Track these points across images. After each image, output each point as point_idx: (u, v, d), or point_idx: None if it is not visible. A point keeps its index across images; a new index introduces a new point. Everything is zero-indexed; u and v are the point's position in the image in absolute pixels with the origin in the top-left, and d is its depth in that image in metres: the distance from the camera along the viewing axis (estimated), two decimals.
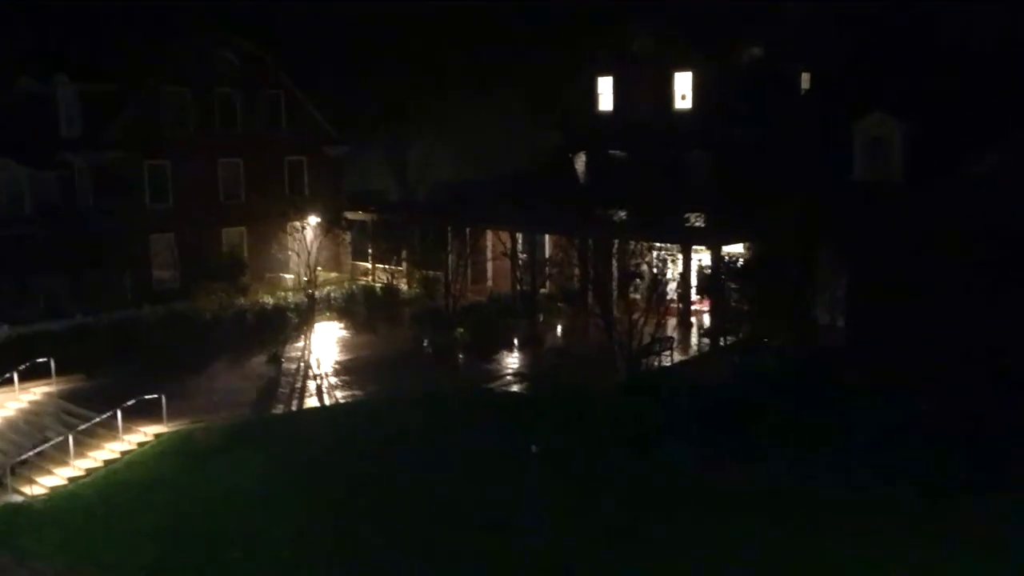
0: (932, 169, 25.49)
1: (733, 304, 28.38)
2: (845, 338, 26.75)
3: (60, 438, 23.87)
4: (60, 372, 28.33)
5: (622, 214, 32.74)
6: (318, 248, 35.38)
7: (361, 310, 36.27)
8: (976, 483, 19.12)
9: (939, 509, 18.57)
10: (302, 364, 30.39)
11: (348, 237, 40.61)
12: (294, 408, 26.39)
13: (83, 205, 37.05)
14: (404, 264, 39.97)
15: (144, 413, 24.72)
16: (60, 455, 23.73)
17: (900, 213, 25.33)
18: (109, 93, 36.63)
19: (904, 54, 30.53)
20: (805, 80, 36.93)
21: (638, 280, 28.29)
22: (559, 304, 34.01)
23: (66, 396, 27.44)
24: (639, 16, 38.82)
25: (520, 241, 35.33)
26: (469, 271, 36.37)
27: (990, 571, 16.59)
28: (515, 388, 27.09)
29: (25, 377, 27.95)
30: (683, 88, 37.70)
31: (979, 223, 23.64)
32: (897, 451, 20.34)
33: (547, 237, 35.62)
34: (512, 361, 29.80)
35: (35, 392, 27.93)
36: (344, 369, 29.66)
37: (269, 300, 36.26)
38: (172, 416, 24.98)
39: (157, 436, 24.35)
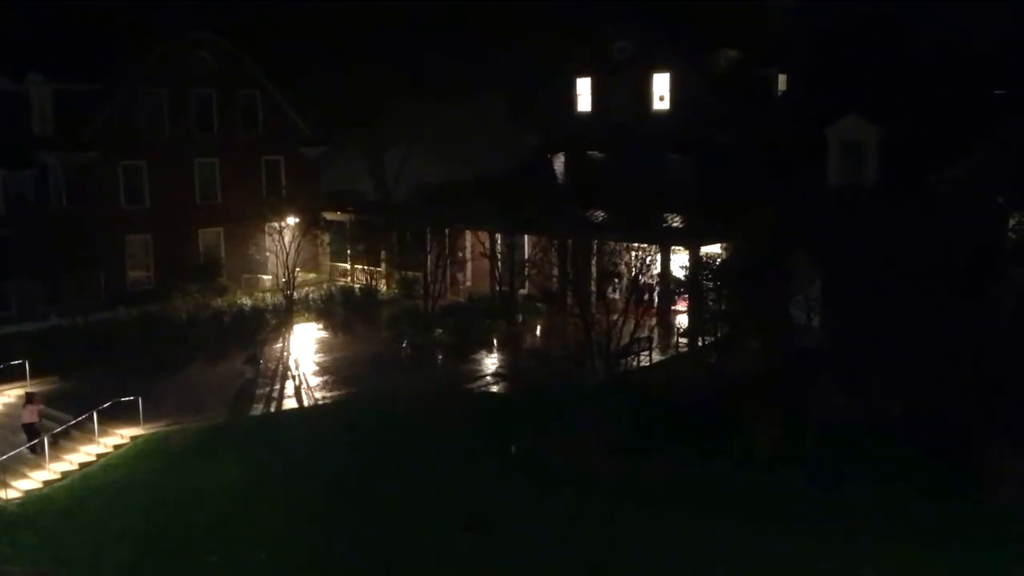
0: (906, 172, 25.75)
1: (711, 304, 28.54)
2: (821, 338, 26.96)
3: (35, 441, 23.62)
4: (35, 374, 28.07)
5: (601, 215, 32.83)
6: (296, 249, 35.24)
7: (340, 311, 36.15)
8: (950, 486, 19.34)
9: (914, 511, 18.79)
10: (280, 365, 30.26)
11: (326, 238, 40.46)
12: (272, 410, 26.27)
13: (57, 205, 36.68)
14: (383, 265, 39.88)
15: (120, 415, 24.54)
16: (35, 458, 23.49)
17: (873, 216, 25.56)
18: (84, 93, 36.27)
19: (880, 57, 30.82)
20: (782, 82, 37.18)
21: (616, 280, 28.39)
22: (538, 304, 34.05)
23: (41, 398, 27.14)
24: (617, 18, 38.96)
25: (499, 242, 35.35)
26: (448, 272, 36.33)
27: (963, 573, 16.80)
28: (494, 388, 27.12)
29: None
30: (661, 90, 37.87)
31: (951, 228, 23.90)
32: (872, 453, 20.55)
33: (526, 238, 35.65)
34: (491, 361, 29.82)
35: (9, 395, 27.62)
36: (323, 370, 29.55)
37: (247, 301, 36.07)
38: (148, 418, 24.80)
39: (133, 438, 24.17)
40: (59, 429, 24.28)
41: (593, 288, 29.05)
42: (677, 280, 30.47)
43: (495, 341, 31.40)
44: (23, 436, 24.35)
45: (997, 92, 27.33)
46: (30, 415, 24.01)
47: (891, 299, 24.49)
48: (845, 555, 17.32)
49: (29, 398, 24.48)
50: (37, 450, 23.47)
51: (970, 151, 25.28)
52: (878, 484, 19.56)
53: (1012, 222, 24.76)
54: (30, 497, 22.14)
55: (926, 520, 18.40)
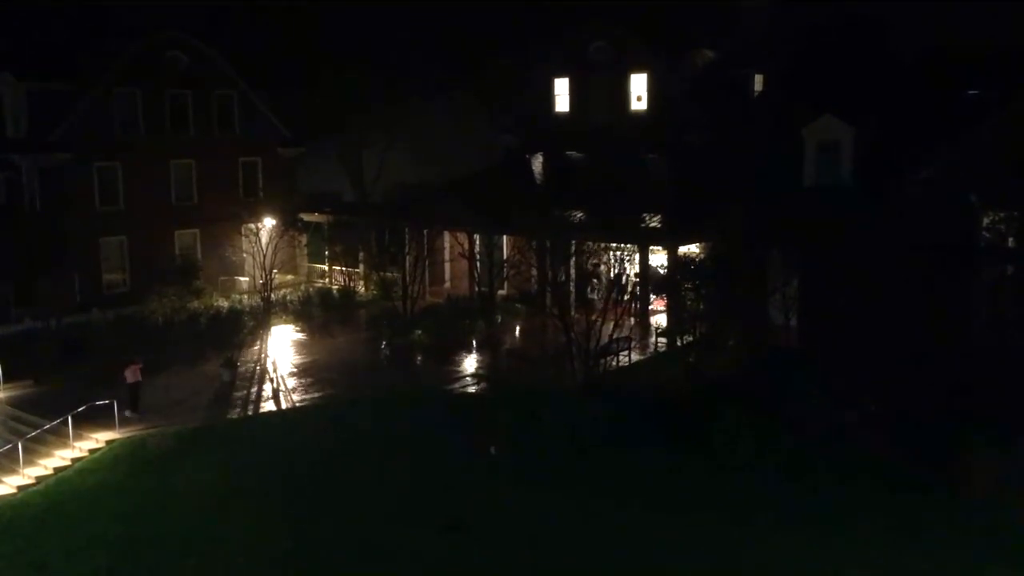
0: (882, 171, 25.96)
1: (689, 304, 28.65)
2: (797, 338, 27.14)
3: (9, 446, 23.37)
4: (8, 378, 27.79)
5: (579, 215, 32.90)
6: (273, 250, 35.03)
7: (318, 313, 35.98)
8: (925, 482, 19.52)
9: (890, 507, 18.95)
10: (258, 368, 30.07)
11: (304, 239, 40.27)
12: (249, 412, 26.10)
13: (30, 207, 36.25)
14: (361, 266, 39.73)
15: (95, 419, 24.30)
16: (9, 463, 23.26)
17: (849, 216, 25.74)
18: (57, 93, 35.88)
19: (856, 58, 31.08)
20: (759, 83, 37.41)
21: (595, 281, 28.43)
22: (517, 305, 34.06)
23: (15, 403, 26.85)
24: (595, 18, 39.05)
25: (478, 242, 35.32)
26: (427, 273, 36.26)
27: (942, 569, 16.95)
28: (473, 389, 27.07)
29: None
30: (638, 90, 38.01)
31: (925, 227, 24.13)
32: (847, 451, 20.68)
33: (505, 238, 35.65)
34: (470, 363, 29.78)
35: None
36: (301, 372, 29.40)
37: (224, 303, 35.81)
38: (124, 422, 24.58)
39: (109, 443, 23.93)
40: (33, 433, 24.03)
41: (572, 289, 29.09)
42: (656, 280, 30.56)
43: (474, 342, 31.37)
44: None
45: (971, 92, 27.62)
46: (132, 375, 25.41)
47: (866, 297, 24.70)
48: (823, 551, 17.43)
49: (130, 360, 25.68)
50: (138, 409, 25.18)
51: (944, 150, 25.52)
52: (854, 481, 19.70)
53: (986, 221, 25.05)
54: (4, 502, 21.89)
55: (902, 516, 18.55)
